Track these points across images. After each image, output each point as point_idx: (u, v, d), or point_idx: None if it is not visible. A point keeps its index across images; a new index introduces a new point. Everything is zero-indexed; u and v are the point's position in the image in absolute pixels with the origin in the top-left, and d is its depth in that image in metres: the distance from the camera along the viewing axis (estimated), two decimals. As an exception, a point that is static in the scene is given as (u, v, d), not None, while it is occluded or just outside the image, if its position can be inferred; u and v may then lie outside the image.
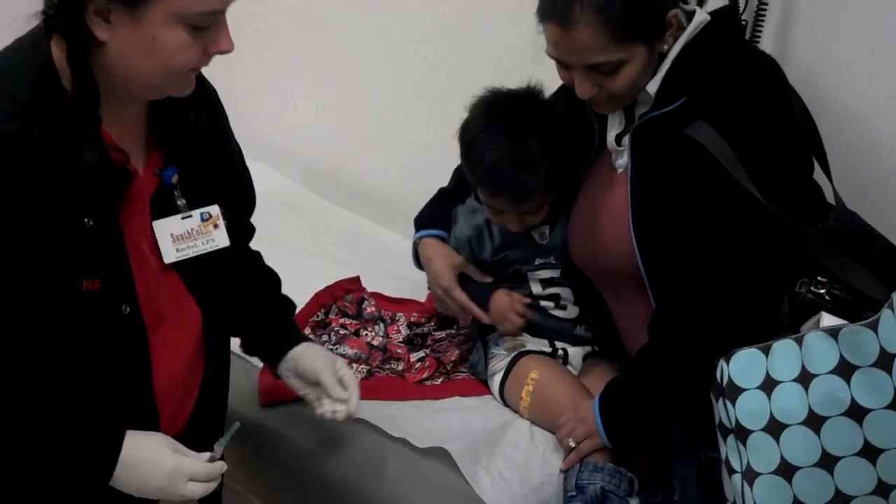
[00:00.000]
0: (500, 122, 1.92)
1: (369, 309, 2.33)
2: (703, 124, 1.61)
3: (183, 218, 1.53)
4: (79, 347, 1.41)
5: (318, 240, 2.80)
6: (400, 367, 2.15)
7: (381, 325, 2.30)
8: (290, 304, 1.86)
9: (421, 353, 2.18)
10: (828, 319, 1.48)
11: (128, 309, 1.43)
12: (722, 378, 1.51)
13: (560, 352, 2.08)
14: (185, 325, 1.57)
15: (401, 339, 2.25)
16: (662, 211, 1.72)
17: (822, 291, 1.53)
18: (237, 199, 1.70)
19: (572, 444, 1.82)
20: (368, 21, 2.87)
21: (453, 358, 2.15)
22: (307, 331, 2.20)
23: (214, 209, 1.57)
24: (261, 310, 1.79)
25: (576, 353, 2.09)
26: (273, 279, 1.85)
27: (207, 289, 1.59)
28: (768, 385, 1.46)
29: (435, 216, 2.15)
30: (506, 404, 2.03)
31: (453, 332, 2.27)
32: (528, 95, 1.97)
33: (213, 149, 1.59)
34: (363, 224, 2.95)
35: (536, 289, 2.07)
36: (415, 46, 2.76)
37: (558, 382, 1.95)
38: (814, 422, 1.42)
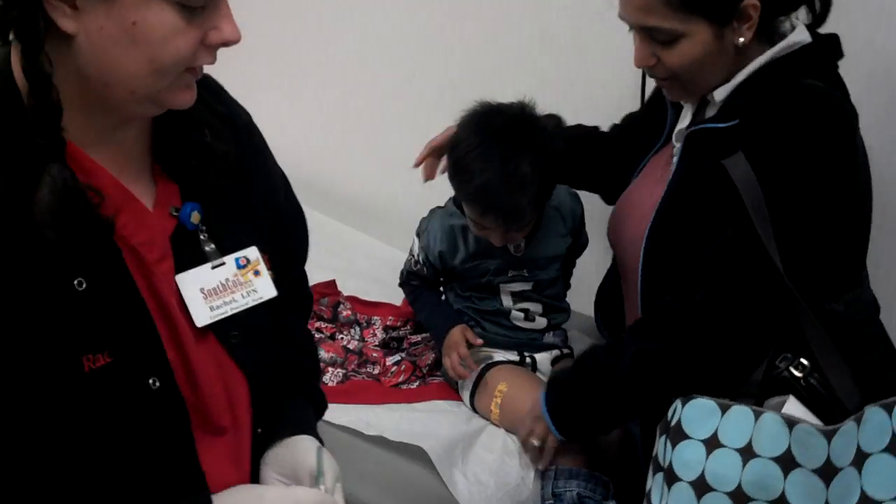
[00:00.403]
0: (492, 141, 1.87)
1: (345, 312, 2.33)
2: (742, 159, 1.54)
3: (214, 267, 1.19)
4: (103, 437, 1.08)
5: None
6: (376, 371, 2.15)
7: (357, 329, 2.30)
8: (318, 395, 1.48)
9: (397, 357, 2.19)
10: (793, 406, 1.45)
11: (157, 383, 1.10)
12: (672, 417, 1.49)
13: (528, 359, 2.10)
14: (232, 399, 1.23)
15: (376, 343, 2.25)
16: (681, 230, 1.65)
17: (800, 375, 1.49)
18: (280, 242, 1.34)
19: (537, 443, 1.82)
20: (344, 24, 2.88)
21: (429, 362, 2.16)
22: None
23: (253, 252, 1.23)
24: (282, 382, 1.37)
25: (543, 358, 2.12)
26: (308, 359, 1.48)
27: (255, 355, 1.25)
28: (712, 443, 1.44)
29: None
30: (477, 413, 2.04)
31: (429, 335, 2.26)
32: (522, 112, 1.92)
33: (243, 179, 1.26)
34: (339, 228, 2.93)
35: (507, 302, 2.08)
36: (392, 50, 2.77)
37: (526, 394, 1.94)
38: (738, 498, 1.40)
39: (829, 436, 1.37)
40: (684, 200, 1.65)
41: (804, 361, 1.50)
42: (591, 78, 2.38)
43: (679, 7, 1.54)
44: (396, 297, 2.40)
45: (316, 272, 2.50)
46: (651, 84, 1.94)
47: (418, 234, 2.10)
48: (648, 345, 1.66)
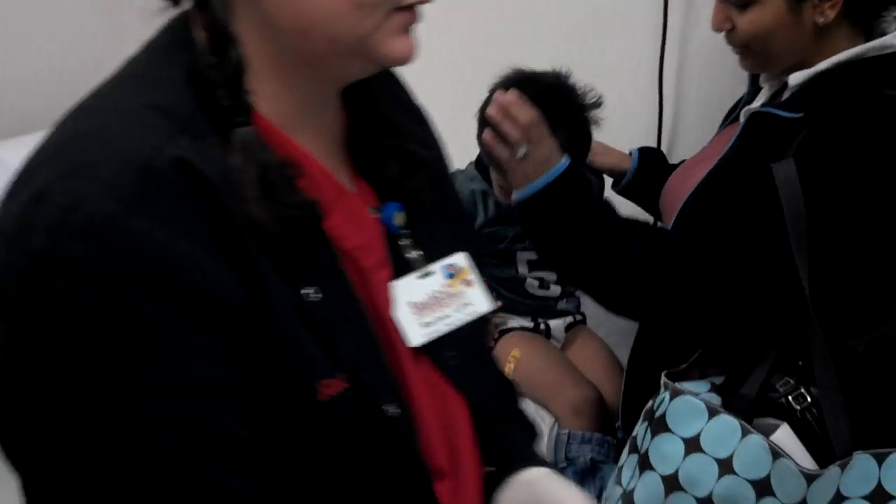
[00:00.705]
0: None
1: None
2: (791, 165, 1.45)
3: (421, 277, 1.00)
4: (339, 479, 0.89)
5: None
6: None
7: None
8: (524, 417, 1.21)
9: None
10: (784, 435, 1.41)
11: (394, 410, 0.91)
12: (658, 408, 1.46)
13: (542, 326, 2.11)
14: (450, 433, 1.01)
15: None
16: (713, 213, 1.58)
17: (798, 408, 1.44)
18: (474, 247, 1.11)
19: (522, 150, 1.61)
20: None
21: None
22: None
23: (461, 259, 1.04)
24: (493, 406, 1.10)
25: (557, 325, 2.13)
26: (504, 377, 1.26)
27: (475, 379, 1.04)
28: (692, 445, 1.41)
29: None
30: None
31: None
32: (558, 82, 1.88)
33: (437, 179, 1.08)
34: None
35: (523, 269, 2.08)
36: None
37: (540, 360, 1.98)
38: None
39: (810, 479, 1.36)
40: (724, 181, 1.60)
41: (804, 393, 1.45)
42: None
43: None
44: None
45: None
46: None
47: None
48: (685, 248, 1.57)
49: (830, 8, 1.52)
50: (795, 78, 1.58)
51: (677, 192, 1.74)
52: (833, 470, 1.34)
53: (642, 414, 1.51)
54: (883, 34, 1.57)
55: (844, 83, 1.53)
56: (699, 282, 1.52)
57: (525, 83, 1.81)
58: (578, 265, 1.59)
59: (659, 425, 1.44)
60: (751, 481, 1.38)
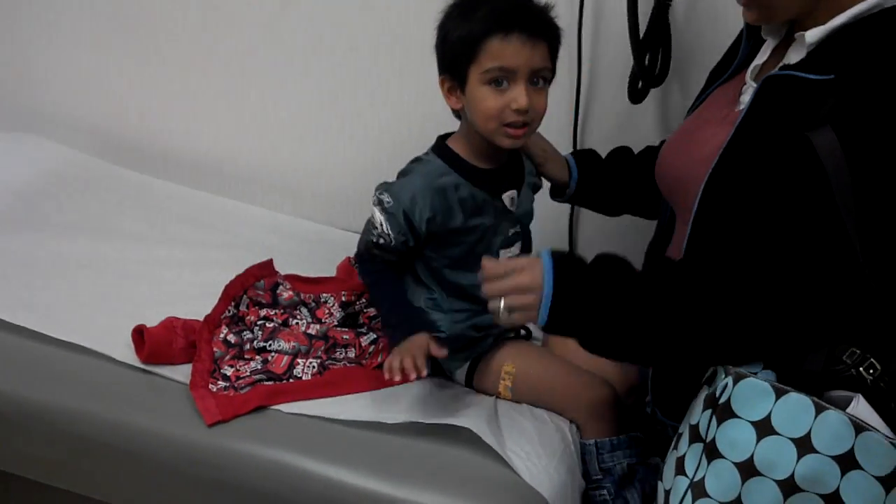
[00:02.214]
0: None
1: (286, 294, 2.04)
2: (831, 133, 1.34)
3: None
4: None
5: (154, 220, 2.49)
6: (353, 355, 1.89)
7: (305, 311, 2.02)
8: None
9: (372, 336, 1.93)
10: (863, 408, 1.36)
11: None
12: (721, 395, 1.41)
13: (523, 331, 1.94)
14: None
15: (335, 324, 1.98)
16: (747, 186, 1.46)
17: (870, 378, 1.38)
18: None
19: (504, 314, 1.55)
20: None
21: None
22: (223, 330, 1.90)
23: None
24: None
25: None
26: None
27: None
28: (764, 428, 1.36)
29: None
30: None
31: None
32: None
33: None
34: (200, 196, 2.67)
35: None
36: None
37: (538, 367, 1.83)
38: (788, 487, 1.34)
39: None
40: (753, 153, 1.46)
41: (875, 362, 1.38)
42: None
43: None
44: (300, 267, 2.19)
45: (206, 251, 2.32)
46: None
47: (381, 203, 1.76)
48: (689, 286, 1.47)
49: None
50: (813, 35, 1.45)
51: (688, 168, 1.61)
52: None
53: (703, 401, 1.44)
54: None
55: (869, 39, 1.40)
56: (745, 298, 1.42)
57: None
58: (634, 347, 1.51)
59: (724, 412, 1.39)
60: (834, 457, 1.32)
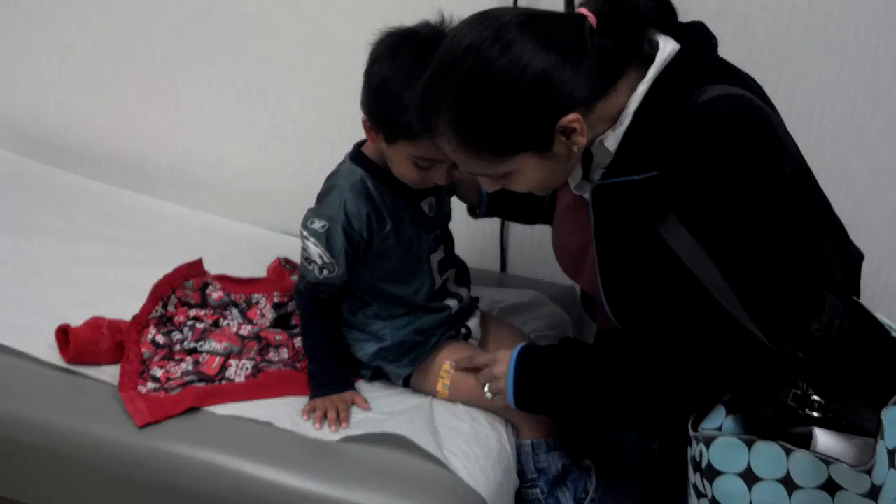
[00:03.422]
0: (418, 66, 1.55)
1: (216, 294, 2.03)
2: (677, 224, 1.43)
3: None
4: None
5: (74, 219, 2.47)
6: (286, 355, 1.89)
7: (236, 311, 2.01)
8: None
9: (305, 337, 1.92)
10: (823, 441, 1.40)
11: None
12: (701, 460, 1.48)
13: (463, 329, 1.93)
14: None
15: (267, 324, 1.98)
16: (627, 271, 1.55)
17: (817, 416, 1.43)
18: None
19: (489, 395, 1.73)
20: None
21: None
22: (151, 330, 1.89)
23: None
24: None
25: (474, 324, 1.95)
26: None
27: None
28: (749, 477, 1.44)
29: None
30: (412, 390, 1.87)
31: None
32: (436, 33, 1.63)
33: None
34: (122, 194, 2.66)
35: (437, 278, 1.85)
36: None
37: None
38: None
39: (868, 472, 1.35)
40: (618, 247, 1.55)
41: (816, 398, 1.44)
42: None
43: (491, 155, 1.45)
44: (228, 267, 2.18)
45: (129, 250, 2.31)
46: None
47: (313, 234, 1.71)
48: (626, 360, 1.59)
49: (580, 135, 1.43)
50: (612, 142, 1.50)
51: (575, 267, 1.74)
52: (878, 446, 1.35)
53: (689, 463, 1.54)
54: (653, 51, 1.48)
55: (662, 114, 1.45)
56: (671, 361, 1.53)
57: (405, 39, 1.65)
58: (594, 415, 1.66)
59: (710, 473, 1.47)
60: (818, 487, 1.40)
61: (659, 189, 1.45)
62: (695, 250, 1.42)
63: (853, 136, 2.09)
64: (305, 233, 1.71)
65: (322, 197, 1.74)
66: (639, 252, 1.51)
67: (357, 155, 1.77)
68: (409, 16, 2.29)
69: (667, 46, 1.47)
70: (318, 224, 1.70)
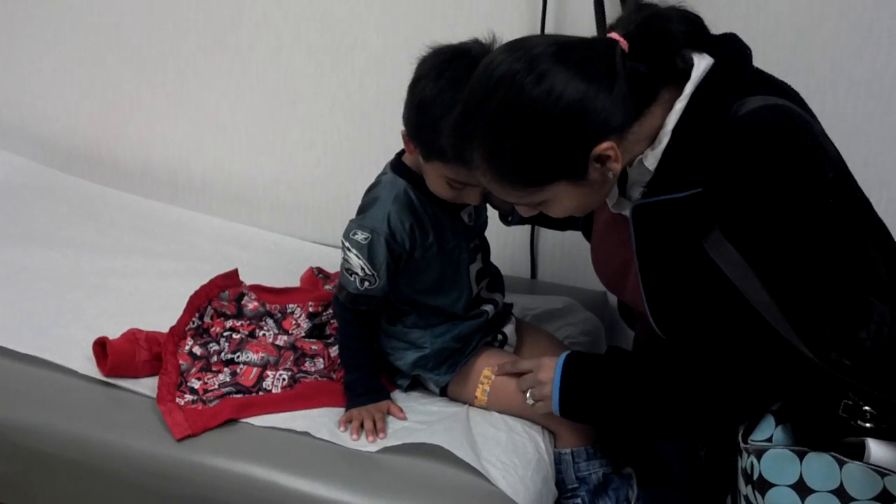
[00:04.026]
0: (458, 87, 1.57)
1: (251, 305, 2.05)
2: (722, 240, 1.44)
3: None
4: None
5: (106, 231, 2.50)
6: (321, 365, 1.90)
7: (271, 322, 2.03)
8: None
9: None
10: (876, 452, 1.40)
11: None
12: (752, 471, 1.49)
13: (500, 336, 1.94)
14: None
15: (303, 335, 2.00)
16: (671, 287, 1.56)
17: (869, 426, 1.42)
18: None
19: (530, 402, 1.74)
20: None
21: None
22: (188, 342, 1.91)
23: None
24: None
25: (510, 330, 1.96)
26: None
27: None
28: (802, 488, 1.43)
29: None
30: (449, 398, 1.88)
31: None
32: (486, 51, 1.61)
33: None
34: (153, 206, 2.69)
35: (475, 287, 1.85)
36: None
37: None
38: None
39: None
40: (663, 271, 1.56)
41: (868, 409, 1.42)
42: None
43: (525, 185, 1.46)
44: (255, 276, 2.20)
45: (164, 262, 2.33)
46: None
47: (355, 245, 1.72)
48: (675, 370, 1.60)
49: (615, 161, 1.43)
50: (651, 161, 1.50)
51: (618, 283, 1.74)
52: None
53: (740, 475, 1.54)
54: (687, 68, 1.48)
55: (702, 131, 1.45)
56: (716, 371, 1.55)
57: (453, 59, 1.63)
58: (639, 423, 1.66)
59: (762, 485, 1.47)
60: (872, 499, 1.39)
61: (703, 205, 1.45)
62: (740, 266, 1.42)
63: (886, 135, 2.09)
64: (347, 244, 1.72)
65: (365, 208, 1.75)
66: (683, 268, 1.52)
67: (399, 165, 1.77)
68: (436, 23, 2.35)
69: (701, 62, 1.47)
70: (360, 236, 1.71)
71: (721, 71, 1.47)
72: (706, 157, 1.43)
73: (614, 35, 1.41)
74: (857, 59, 2.04)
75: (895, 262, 1.54)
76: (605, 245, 1.74)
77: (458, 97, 1.50)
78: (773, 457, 1.46)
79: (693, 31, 1.47)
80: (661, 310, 1.58)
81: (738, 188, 1.40)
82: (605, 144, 1.39)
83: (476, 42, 1.65)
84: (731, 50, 1.49)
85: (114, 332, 1.87)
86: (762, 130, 1.41)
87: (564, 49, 1.37)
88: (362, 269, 1.71)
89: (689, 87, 1.45)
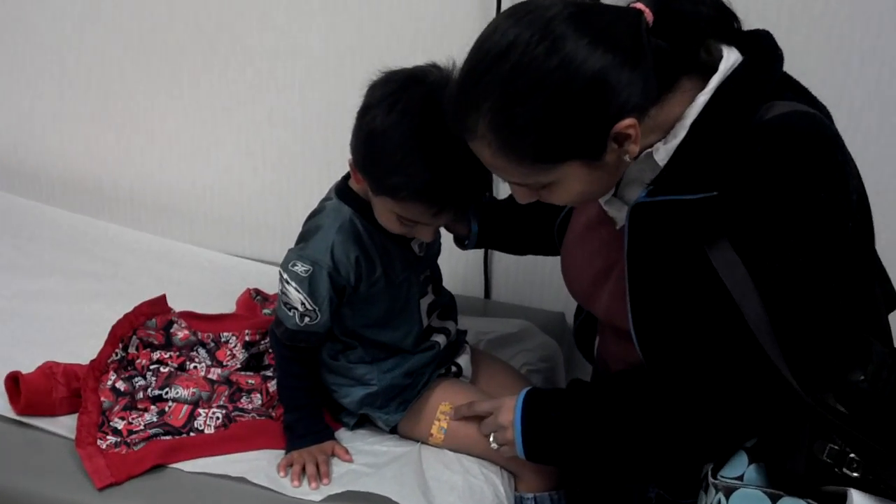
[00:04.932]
0: (428, 125, 1.50)
1: (181, 333, 1.92)
2: (729, 249, 1.36)
3: None
4: None
5: (25, 248, 2.37)
6: (259, 402, 1.78)
7: (204, 352, 1.90)
8: None
9: (278, 381, 1.83)
10: (859, 501, 1.32)
11: None
12: None
13: (454, 368, 1.83)
14: None
15: (238, 366, 1.87)
16: (661, 297, 1.47)
17: (855, 476, 1.33)
18: None
19: (494, 446, 1.64)
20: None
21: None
22: (110, 376, 1.78)
23: None
24: None
25: (465, 361, 1.86)
26: None
27: None
28: None
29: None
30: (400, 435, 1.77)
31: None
32: (444, 77, 1.53)
33: None
34: (78, 220, 2.56)
35: (425, 320, 1.76)
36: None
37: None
38: None
39: None
40: (655, 279, 1.47)
41: (854, 457, 1.34)
42: None
43: (535, 162, 1.35)
44: (194, 303, 2.07)
45: (88, 282, 2.21)
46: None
47: (295, 277, 1.61)
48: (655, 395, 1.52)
49: (634, 142, 1.35)
50: (662, 156, 1.42)
51: (596, 293, 1.62)
52: None
53: None
54: (714, 62, 1.40)
55: (723, 130, 1.38)
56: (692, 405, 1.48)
57: (407, 87, 1.54)
58: (610, 461, 1.58)
59: None
60: None
61: (714, 210, 1.37)
62: (742, 279, 1.35)
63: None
64: (286, 276, 1.60)
65: (307, 236, 1.63)
66: (678, 277, 1.44)
67: (344, 191, 1.66)
68: (382, 31, 2.26)
69: (731, 56, 1.40)
70: (301, 268, 1.59)
71: (751, 69, 1.39)
72: (725, 158, 1.34)
73: (639, 5, 1.30)
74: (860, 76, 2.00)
75: (891, 303, 1.48)
76: (584, 248, 1.63)
77: (412, 129, 1.41)
78: (743, 496, 1.39)
79: (722, 20, 1.38)
80: (645, 322, 1.48)
81: (758, 195, 1.33)
82: (626, 121, 1.30)
83: (434, 66, 1.54)
84: (763, 48, 1.40)
85: (28, 365, 1.75)
86: (793, 137, 1.33)
87: (584, 14, 1.27)
88: (302, 303, 1.59)
89: (714, 80, 1.37)
